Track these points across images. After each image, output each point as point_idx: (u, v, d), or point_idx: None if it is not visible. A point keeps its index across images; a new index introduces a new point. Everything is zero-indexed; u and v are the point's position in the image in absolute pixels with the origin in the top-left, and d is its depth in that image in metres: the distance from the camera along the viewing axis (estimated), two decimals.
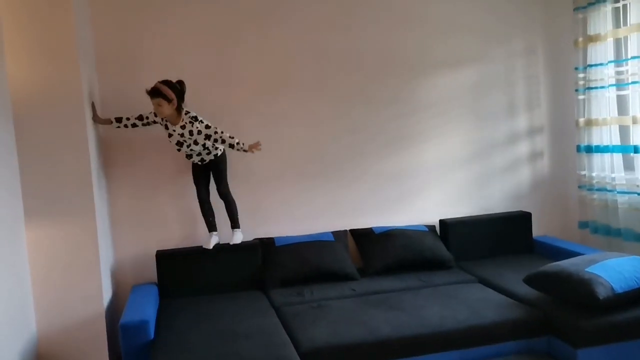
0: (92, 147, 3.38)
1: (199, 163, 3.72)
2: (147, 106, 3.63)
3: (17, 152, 3.21)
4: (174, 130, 3.53)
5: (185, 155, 3.68)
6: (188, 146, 3.56)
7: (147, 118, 3.60)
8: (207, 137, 3.51)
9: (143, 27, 3.84)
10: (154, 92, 3.41)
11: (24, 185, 3.23)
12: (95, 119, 3.53)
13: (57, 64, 3.22)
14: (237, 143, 3.55)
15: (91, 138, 3.39)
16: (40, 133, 3.23)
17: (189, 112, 3.52)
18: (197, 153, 3.63)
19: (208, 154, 3.66)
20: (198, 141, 3.53)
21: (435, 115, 4.38)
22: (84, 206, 3.30)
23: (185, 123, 3.50)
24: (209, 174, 3.79)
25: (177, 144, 3.57)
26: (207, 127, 3.52)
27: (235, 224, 3.83)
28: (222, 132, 3.53)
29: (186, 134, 3.51)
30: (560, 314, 3.09)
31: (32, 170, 3.23)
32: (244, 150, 3.58)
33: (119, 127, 3.61)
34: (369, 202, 4.29)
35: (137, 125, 3.62)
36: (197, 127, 3.49)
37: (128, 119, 3.60)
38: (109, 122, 3.60)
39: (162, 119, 3.55)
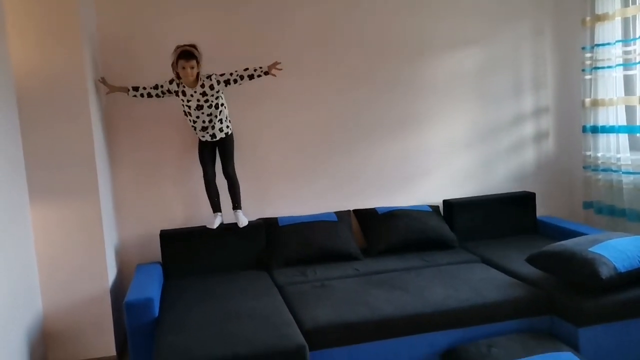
0: (95, 128, 3.40)
1: (210, 139, 3.69)
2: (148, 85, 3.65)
3: (21, 134, 3.23)
4: (194, 93, 3.53)
5: (200, 129, 3.62)
6: (209, 107, 3.55)
7: (162, 87, 3.59)
8: (227, 82, 3.54)
9: (146, 10, 3.83)
10: (190, 55, 3.40)
11: (28, 166, 3.26)
12: (111, 88, 3.57)
13: (60, 45, 3.25)
14: (255, 70, 3.56)
15: (94, 119, 3.40)
16: (44, 114, 3.25)
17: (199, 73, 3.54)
18: (213, 123, 3.60)
19: (221, 130, 3.67)
20: (220, 98, 3.56)
21: (440, 96, 4.35)
22: (88, 186, 3.33)
23: (204, 81, 3.52)
24: (216, 154, 3.79)
25: (197, 108, 3.55)
26: (222, 74, 3.55)
27: (238, 205, 3.83)
28: (235, 71, 3.56)
29: (208, 91, 3.52)
30: (563, 294, 3.10)
31: (36, 151, 3.26)
32: (265, 73, 3.57)
33: (135, 95, 3.62)
34: (373, 183, 4.29)
35: (152, 96, 3.62)
36: (216, 79, 3.53)
37: (144, 88, 3.61)
38: (125, 89, 3.61)
39: (179, 85, 3.53)
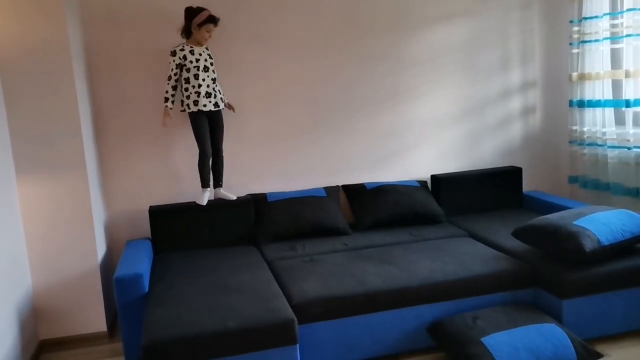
0: (81, 102, 3.36)
1: (212, 108, 3.65)
2: (134, 60, 3.67)
3: (5, 108, 3.19)
4: (202, 52, 3.61)
5: (205, 94, 3.60)
6: (213, 71, 3.65)
7: (173, 73, 3.59)
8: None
9: None
10: (217, 21, 3.59)
11: (14, 141, 3.23)
12: (168, 115, 3.59)
13: (43, 18, 3.19)
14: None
15: (80, 93, 3.36)
16: (28, 88, 3.21)
17: None
18: (218, 88, 3.69)
19: (222, 99, 3.73)
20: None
21: (427, 71, 4.34)
22: (75, 161, 3.31)
23: (207, 46, 3.66)
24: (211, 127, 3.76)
25: (204, 69, 3.59)
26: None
27: (221, 182, 3.84)
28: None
29: (211, 55, 3.67)
30: (547, 266, 3.15)
31: (21, 126, 3.23)
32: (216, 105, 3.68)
33: (173, 101, 3.62)
34: (361, 158, 4.30)
35: (175, 89, 3.63)
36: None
37: (167, 91, 3.59)
38: (168, 108, 3.60)
39: (185, 47, 3.58)
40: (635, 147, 3.79)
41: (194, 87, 3.58)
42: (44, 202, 3.31)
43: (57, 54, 3.21)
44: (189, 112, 3.64)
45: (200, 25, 3.54)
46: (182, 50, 3.57)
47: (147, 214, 3.79)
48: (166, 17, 3.76)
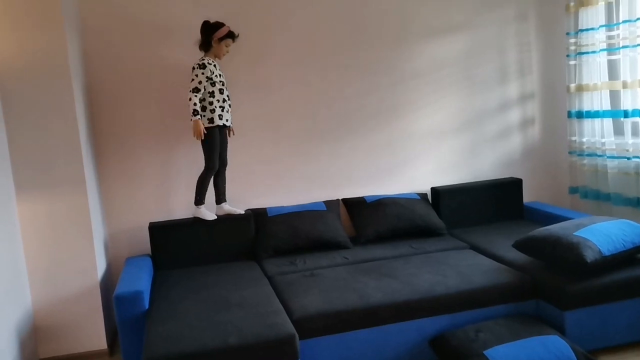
0: (80, 118, 3.37)
1: (226, 124, 3.69)
2: (135, 77, 3.66)
3: (5, 124, 3.20)
4: (220, 71, 3.70)
5: (226, 110, 3.65)
6: (226, 88, 3.71)
7: (201, 85, 3.58)
8: None
9: None
10: (234, 36, 3.68)
11: (14, 158, 3.23)
12: (201, 129, 3.56)
13: (43, 32, 3.20)
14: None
15: (79, 108, 3.38)
16: (28, 104, 3.22)
17: None
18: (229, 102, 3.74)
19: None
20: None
21: (426, 83, 4.36)
22: (75, 178, 3.31)
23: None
24: None
25: (223, 84, 3.67)
26: None
27: (224, 197, 3.84)
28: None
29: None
30: (549, 278, 3.14)
31: (21, 143, 3.24)
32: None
33: (203, 115, 3.61)
34: (361, 171, 4.31)
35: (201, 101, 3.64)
36: None
37: (196, 103, 3.55)
38: (200, 121, 3.57)
39: (210, 63, 3.61)
40: (634, 157, 3.79)
41: (218, 101, 3.62)
42: (43, 219, 3.31)
43: (56, 71, 3.23)
44: (208, 126, 3.63)
45: (220, 39, 3.62)
46: (210, 63, 3.61)
47: (147, 231, 3.79)
48: (168, 32, 3.79)
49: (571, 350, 2.75)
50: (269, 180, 4.14)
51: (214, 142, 3.66)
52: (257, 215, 3.94)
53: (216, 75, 3.62)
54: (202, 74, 3.57)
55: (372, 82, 4.24)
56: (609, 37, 3.93)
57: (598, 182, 4.08)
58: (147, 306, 3.04)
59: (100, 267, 3.50)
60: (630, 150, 3.82)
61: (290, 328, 2.70)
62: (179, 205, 3.96)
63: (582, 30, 4.05)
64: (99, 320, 3.44)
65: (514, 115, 4.57)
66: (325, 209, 4.04)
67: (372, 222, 3.99)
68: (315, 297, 3.03)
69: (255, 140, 4.08)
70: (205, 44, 3.66)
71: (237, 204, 3.95)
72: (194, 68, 3.59)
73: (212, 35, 3.62)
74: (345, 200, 4.22)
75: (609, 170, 3.96)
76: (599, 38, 3.96)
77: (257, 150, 4.09)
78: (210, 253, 3.76)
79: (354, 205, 4.17)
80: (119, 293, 2.99)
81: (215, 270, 3.58)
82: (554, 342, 2.78)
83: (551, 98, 4.57)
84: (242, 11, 3.95)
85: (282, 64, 4.06)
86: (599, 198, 4.08)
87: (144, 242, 3.84)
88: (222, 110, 3.64)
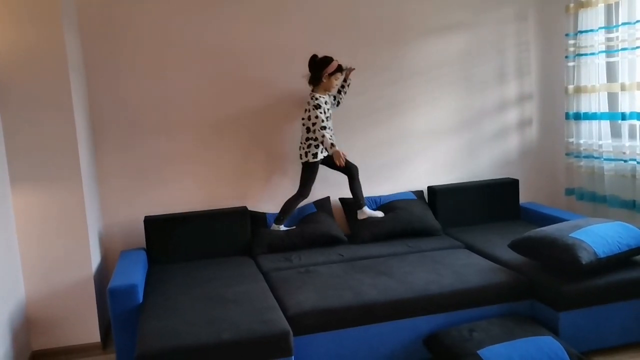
0: (77, 112, 3.35)
1: (325, 155, 3.82)
2: (132, 70, 3.62)
3: (1, 118, 3.17)
4: (328, 103, 3.80)
5: (334, 141, 3.70)
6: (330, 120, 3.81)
7: (325, 114, 3.71)
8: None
9: None
10: (342, 69, 3.78)
11: (9, 151, 3.21)
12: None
13: (40, 27, 3.17)
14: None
15: (76, 102, 3.36)
16: (24, 98, 3.20)
17: None
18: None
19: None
20: None
21: (424, 82, 4.35)
22: (71, 171, 3.29)
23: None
24: None
25: (330, 116, 3.77)
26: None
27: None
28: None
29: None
30: (544, 279, 3.14)
31: (17, 136, 3.21)
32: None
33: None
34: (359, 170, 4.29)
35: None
36: None
37: (323, 135, 3.64)
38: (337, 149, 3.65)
39: (322, 96, 3.74)
40: (631, 159, 3.80)
41: (329, 130, 3.71)
42: (38, 211, 3.29)
43: (54, 64, 3.20)
44: (313, 161, 3.77)
45: (330, 74, 3.69)
46: (322, 100, 3.71)
47: (142, 224, 3.77)
48: (165, 29, 3.77)
49: (565, 352, 2.75)
50: (265, 180, 4.12)
51: (314, 175, 3.83)
52: (252, 211, 3.94)
53: (326, 110, 3.71)
54: (321, 113, 3.68)
55: (369, 80, 4.22)
56: (608, 39, 3.94)
57: (594, 184, 4.09)
58: (141, 300, 3.03)
59: (95, 260, 3.48)
60: (627, 152, 3.82)
61: (284, 324, 2.70)
62: (175, 199, 3.94)
63: (581, 32, 4.06)
64: (93, 313, 3.42)
65: (512, 116, 4.57)
66: (315, 210, 4.05)
67: (369, 223, 3.97)
68: (310, 294, 3.02)
69: (251, 140, 4.06)
70: (315, 79, 3.72)
71: (234, 198, 3.93)
72: (308, 110, 3.71)
73: (322, 71, 3.68)
74: (342, 200, 4.20)
75: (605, 172, 3.96)
76: (598, 40, 3.96)
77: (254, 149, 4.07)
78: (205, 248, 3.75)
79: (350, 205, 4.15)
80: (113, 286, 2.97)
81: (210, 265, 3.57)
82: (548, 343, 2.79)
83: (549, 99, 4.57)
84: (239, 6, 3.93)
85: (279, 62, 4.03)
86: (595, 200, 4.09)
87: (139, 236, 3.82)
88: (333, 140, 3.69)
